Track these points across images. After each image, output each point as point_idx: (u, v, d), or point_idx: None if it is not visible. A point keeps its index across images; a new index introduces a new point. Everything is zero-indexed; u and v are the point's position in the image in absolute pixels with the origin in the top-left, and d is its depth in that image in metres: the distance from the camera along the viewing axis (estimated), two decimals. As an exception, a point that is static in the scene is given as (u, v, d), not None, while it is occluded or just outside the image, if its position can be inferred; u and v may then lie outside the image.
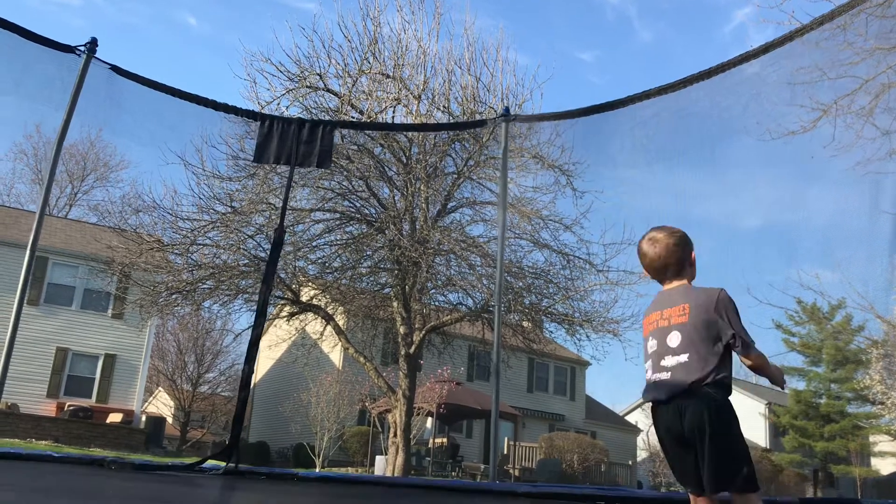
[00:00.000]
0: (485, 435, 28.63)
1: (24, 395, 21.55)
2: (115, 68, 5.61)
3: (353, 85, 12.90)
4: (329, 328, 15.19)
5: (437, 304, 14.89)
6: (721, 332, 2.88)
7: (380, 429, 22.34)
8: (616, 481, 27.32)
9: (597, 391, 53.31)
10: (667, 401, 2.92)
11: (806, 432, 31.18)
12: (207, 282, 13.55)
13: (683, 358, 2.92)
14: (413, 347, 14.13)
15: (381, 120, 12.82)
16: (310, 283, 15.02)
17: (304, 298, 14.97)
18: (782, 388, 3.32)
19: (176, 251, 13.52)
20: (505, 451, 25.47)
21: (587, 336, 13.64)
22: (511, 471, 24.50)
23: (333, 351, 23.70)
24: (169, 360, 33.61)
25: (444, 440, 23.93)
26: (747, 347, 2.91)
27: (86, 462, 5.60)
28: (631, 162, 8.31)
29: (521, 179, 12.06)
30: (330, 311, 15.01)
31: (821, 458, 30.98)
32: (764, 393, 39.01)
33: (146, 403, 30.32)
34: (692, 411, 2.85)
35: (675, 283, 3.10)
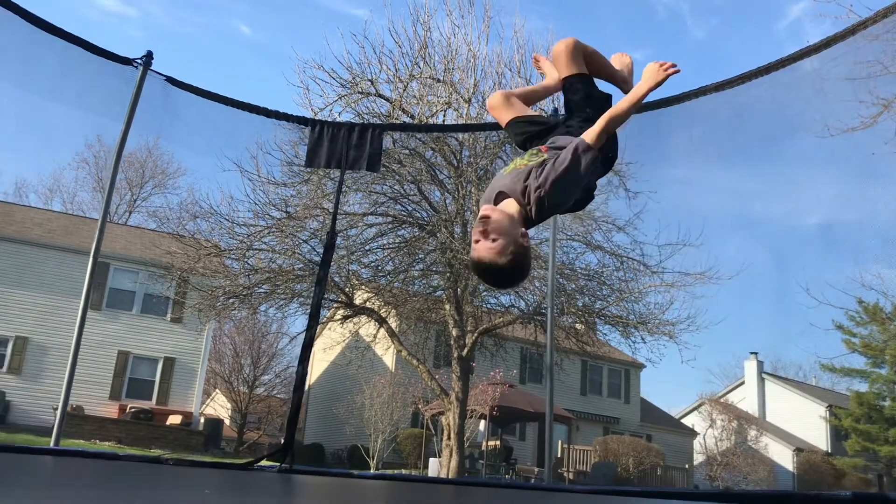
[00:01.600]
0: (538, 438, 28.46)
1: (88, 398, 22.17)
2: (170, 80, 5.74)
3: (404, 90, 12.97)
4: (382, 331, 15.31)
5: (489, 306, 14.89)
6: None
7: (433, 431, 22.39)
8: (672, 485, 26.89)
9: (652, 394, 52.61)
10: None
11: (869, 436, 30.24)
12: (263, 286, 13.79)
13: None
14: (465, 350, 14.13)
15: (432, 124, 12.88)
16: (363, 287, 15.15)
17: (357, 301, 15.11)
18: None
19: (233, 256, 13.79)
20: (559, 454, 25.29)
21: (642, 338, 13.48)
22: (565, 474, 24.31)
23: (386, 353, 23.85)
24: (226, 363, 34.23)
25: (497, 443, 23.85)
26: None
27: (146, 460, 5.73)
28: (686, 161, 8.20)
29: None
30: (383, 314, 15.11)
31: (886, 462, 30.01)
32: (825, 396, 38.01)
33: (204, 405, 30.92)
34: None
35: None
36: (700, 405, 37.01)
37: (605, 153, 2.76)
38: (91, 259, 6.01)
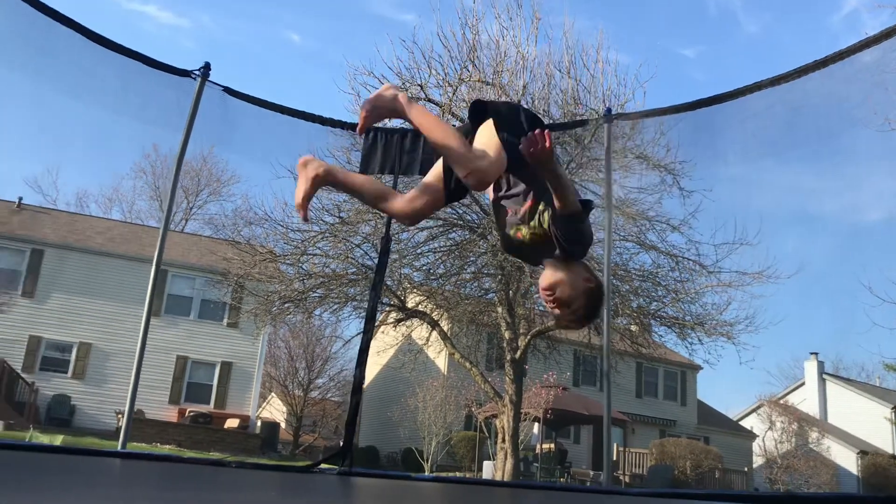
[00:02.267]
0: (593, 441, 28.22)
1: (149, 402, 22.70)
2: (227, 90, 5.87)
3: (454, 94, 13.00)
4: (434, 334, 15.36)
5: (541, 308, 14.82)
6: None
7: (487, 434, 22.37)
8: (731, 488, 26.40)
9: (709, 396, 51.66)
10: None
11: (939, 438, 29.26)
12: (318, 290, 13.96)
13: None
14: (518, 352, 14.09)
15: (481, 126, 12.87)
16: (415, 290, 15.23)
17: (409, 305, 15.19)
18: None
19: (287, 261, 13.99)
20: (615, 458, 25.04)
21: (699, 339, 13.27)
22: (621, 477, 24.07)
23: (439, 356, 23.91)
24: (281, 367, 34.71)
25: (552, 446, 23.72)
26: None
27: (210, 463, 5.85)
28: (741, 158, 8.05)
29: (626, 180, 11.87)
30: (435, 317, 15.16)
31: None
32: (890, 396, 36.89)
33: (260, 409, 31.41)
34: None
35: None
36: (759, 407, 36.26)
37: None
38: (153, 267, 6.17)
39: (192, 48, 62.43)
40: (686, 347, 13.74)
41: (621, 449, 25.36)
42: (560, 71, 12.84)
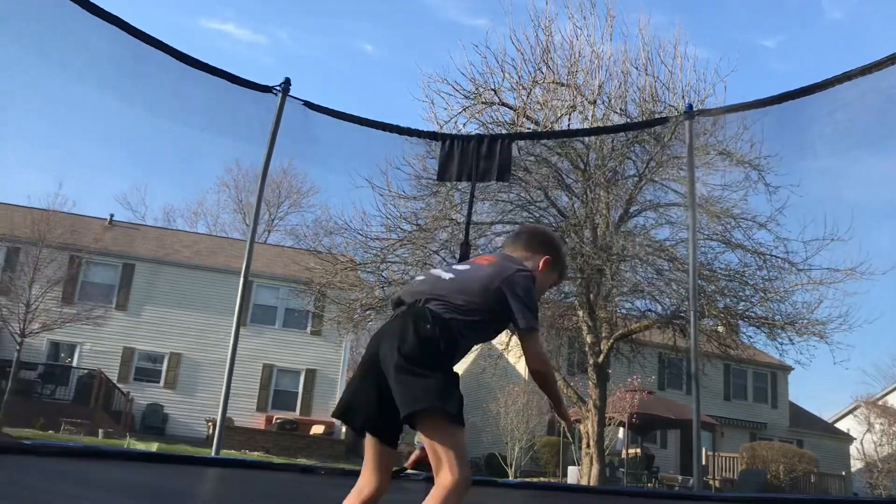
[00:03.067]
0: (680, 445, 27.57)
1: (237, 410, 23.30)
2: (307, 104, 5.99)
3: (528, 96, 12.95)
4: (514, 339, 15.27)
5: (623, 311, 14.58)
6: (500, 300, 2.36)
7: (570, 439, 22.10)
8: (828, 493, 25.38)
9: (801, 397, 49.85)
10: (393, 305, 2.46)
11: None
12: (398, 297, 14.05)
13: (450, 275, 2.44)
14: (601, 356, 13.89)
15: (556, 128, 12.78)
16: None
17: (488, 310, 15.13)
18: (567, 423, 2.80)
19: (368, 269, 14.16)
20: (703, 462, 24.38)
21: (790, 339, 12.81)
22: (711, 482, 23.42)
23: (520, 361, 23.75)
24: (363, 374, 35.10)
25: (638, 450, 23.29)
26: (528, 328, 2.37)
27: (300, 470, 5.96)
28: (831, 150, 7.75)
29: (708, 178, 11.58)
30: (515, 322, 15.07)
31: None
32: None
33: (345, 415, 31.82)
34: (396, 324, 2.31)
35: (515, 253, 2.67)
36: (855, 408, 34.74)
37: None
38: (242, 279, 6.34)
39: (270, 64, 64.02)
40: (776, 348, 13.29)
41: (710, 453, 24.68)
42: (637, 68, 12.65)
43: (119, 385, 23.54)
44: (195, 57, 4.89)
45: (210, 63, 5.01)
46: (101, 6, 4.30)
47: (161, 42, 4.59)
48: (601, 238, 12.61)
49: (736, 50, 41.64)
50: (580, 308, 13.96)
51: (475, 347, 15.15)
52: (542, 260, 2.64)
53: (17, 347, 18.10)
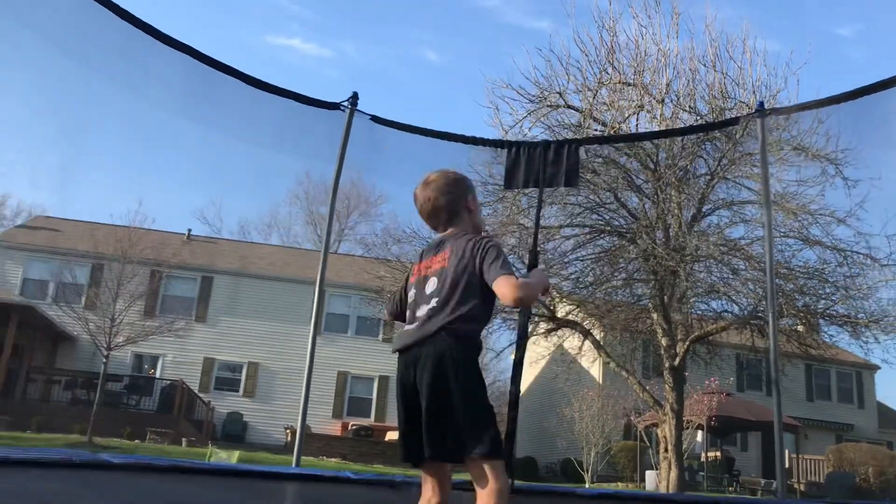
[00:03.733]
0: (762, 448, 26.83)
1: (314, 417, 23.72)
2: (374, 118, 6.08)
3: (594, 98, 12.82)
4: (587, 343, 15.13)
5: (699, 312, 14.27)
6: (474, 273, 2.53)
7: (647, 443, 21.76)
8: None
9: (891, 397, 47.83)
10: (404, 349, 2.58)
11: None
12: (467, 304, 14.07)
13: (433, 303, 2.56)
14: (677, 359, 13.63)
15: (624, 129, 12.62)
16: (564, 299, 15.07)
17: (559, 314, 15.04)
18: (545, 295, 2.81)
19: (437, 277, 14.21)
20: (787, 465, 23.67)
21: (875, 338, 12.32)
22: (796, 486, 22.71)
23: (593, 366, 23.53)
24: (436, 379, 35.27)
25: (718, 454, 22.77)
26: (496, 274, 2.47)
27: (376, 482, 6.03)
28: (914, 140, 7.47)
29: (783, 174, 11.26)
30: (587, 326, 14.94)
31: None
32: None
33: (419, 421, 32.04)
34: (425, 356, 2.47)
35: (448, 231, 2.76)
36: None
37: None
38: (317, 289, 6.47)
39: (336, 76, 65.09)
40: (861, 347, 12.79)
41: (794, 456, 23.93)
42: (705, 65, 12.39)
43: (200, 395, 24.24)
44: (264, 80, 5.03)
45: (278, 79, 5.17)
46: (175, 36, 4.49)
47: (231, 68, 4.76)
48: (674, 239, 12.38)
49: (809, 41, 40.32)
50: (654, 310, 13.73)
51: (545, 354, 15.05)
52: (466, 207, 2.80)
53: (104, 360, 18.82)
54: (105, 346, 18.68)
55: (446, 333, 2.48)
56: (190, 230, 30.34)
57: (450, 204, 2.77)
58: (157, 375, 24.49)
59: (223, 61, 4.87)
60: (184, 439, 19.70)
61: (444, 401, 2.42)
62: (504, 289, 2.47)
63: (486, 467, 2.41)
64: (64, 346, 24.44)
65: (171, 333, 21.51)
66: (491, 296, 2.56)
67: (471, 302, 2.52)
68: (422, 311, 2.60)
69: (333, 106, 5.82)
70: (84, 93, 4.89)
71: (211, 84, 4.76)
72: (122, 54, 4.45)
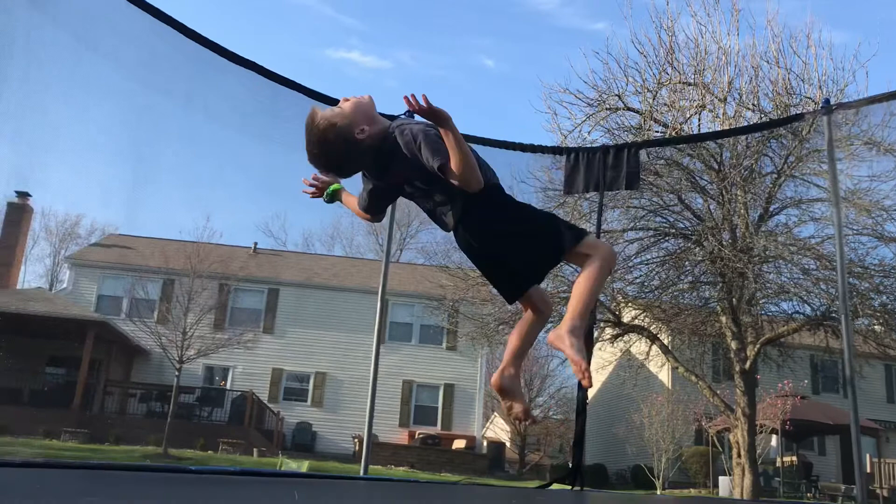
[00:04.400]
0: (840, 452, 25.95)
1: (381, 425, 23.87)
2: (431, 127, 6.11)
3: (654, 99, 12.67)
4: (654, 348, 14.90)
5: (769, 314, 13.92)
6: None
7: (720, 448, 21.27)
8: None
9: (977, 397, 45.76)
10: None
11: None
12: (530, 310, 14.02)
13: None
14: (748, 362, 13.32)
15: (685, 129, 12.42)
16: (630, 304, 14.88)
17: (625, 319, 14.86)
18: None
19: (500, 284, 14.19)
20: (868, 470, 22.82)
21: (958, 337, 11.86)
22: (878, 491, 21.88)
23: (661, 370, 23.14)
24: (501, 387, 35.15)
25: (794, 459, 22.11)
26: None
27: (440, 485, 6.05)
28: None
29: (854, 170, 10.91)
30: (653, 331, 14.72)
31: None
32: None
33: (485, 429, 31.99)
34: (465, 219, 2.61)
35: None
36: None
37: None
38: (379, 298, 6.54)
39: (395, 87, 65.66)
40: (945, 345, 12.32)
41: (875, 460, 23.07)
42: (767, 62, 12.12)
43: (269, 405, 24.67)
44: (326, 94, 5.12)
45: (340, 93, 5.24)
46: (239, 53, 4.63)
47: (293, 82, 4.88)
48: (741, 240, 12.12)
49: (878, 31, 38.97)
50: (722, 313, 13.45)
51: (611, 360, 14.81)
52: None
53: (177, 373, 19.32)
54: (177, 359, 19.17)
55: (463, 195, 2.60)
56: (256, 243, 30.97)
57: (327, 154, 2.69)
58: (228, 387, 25.02)
59: (285, 76, 5.01)
60: (255, 449, 20.07)
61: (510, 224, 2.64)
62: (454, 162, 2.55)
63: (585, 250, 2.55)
64: (138, 360, 25.19)
65: (240, 345, 21.96)
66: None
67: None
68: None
69: (392, 119, 5.88)
70: (151, 113, 5.07)
71: (274, 100, 4.87)
72: (188, 74, 4.60)
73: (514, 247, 2.62)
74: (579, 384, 6.52)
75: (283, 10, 66.73)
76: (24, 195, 26.61)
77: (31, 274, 44.58)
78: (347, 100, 2.65)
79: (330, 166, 2.72)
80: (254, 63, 4.65)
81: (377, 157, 2.68)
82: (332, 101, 5.31)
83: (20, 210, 26.76)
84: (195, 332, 19.67)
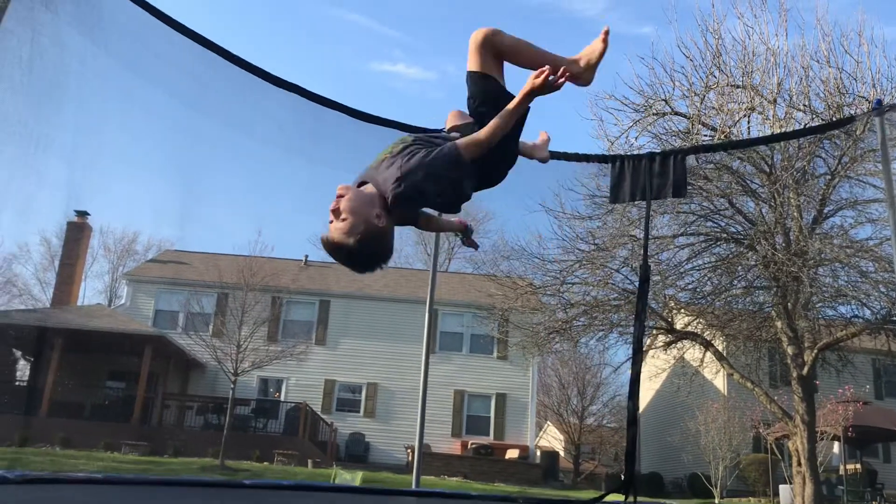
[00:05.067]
0: (908, 459, 25.16)
1: (433, 436, 23.92)
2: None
3: (701, 102, 12.51)
4: (709, 354, 14.67)
5: (826, 318, 13.59)
6: None
7: (779, 456, 20.80)
8: None
9: None
10: None
11: None
12: (581, 319, 13.96)
13: None
14: (805, 368, 13.02)
15: (734, 132, 12.24)
16: (682, 310, 14.68)
17: (678, 326, 14.66)
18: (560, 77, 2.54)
19: (548, 292, 14.16)
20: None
21: None
22: (948, 500, 21.15)
23: (716, 377, 22.74)
24: (553, 396, 34.96)
25: (858, 466, 21.49)
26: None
27: (499, 499, 6.05)
28: None
29: (911, 168, 10.60)
30: (707, 337, 14.50)
31: None
32: None
33: (538, 438, 31.81)
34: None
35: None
36: None
37: (485, 166, 2.64)
38: (427, 308, 6.58)
39: (441, 98, 65.91)
40: None
41: (945, 467, 22.33)
42: (818, 62, 11.88)
43: (323, 416, 24.92)
44: (368, 112, 5.21)
45: (387, 106, 5.36)
46: (284, 70, 4.75)
47: (336, 102, 4.97)
48: (795, 243, 11.88)
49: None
50: (778, 318, 13.18)
51: (665, 367, 14.59)
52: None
53: (232, 385, 19.65)
54: (232, 371, 19.50)
55: None
56: (307, 256, 31.33)
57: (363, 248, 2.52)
58: (282, 398, 25.34)
59: (329, 96, 5.12)
60: (309, 460, 20.27)
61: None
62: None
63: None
64: (195, 373, 25.68)
65: (293, 357, 22.23)
66: None
67: None
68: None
69: (437, 132, 5.95)
70: (201, 134, 5.21)
71: (318, 119, 4.99)
72: (234, 97, 4.74)
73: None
74: (630, 393, 6.44)
75: (327, 26, 67.63)
76: (82, 214, 27.44)
77: (90, 290, 45.90)
78: (339, 200, 2.49)
79: (385, 257, 2.59)
80: (296, 86, 4.77)
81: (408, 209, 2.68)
82: (376, 119, 5.40)
83: (79, 229, 27.59)
84: (249, 345, 19.97)
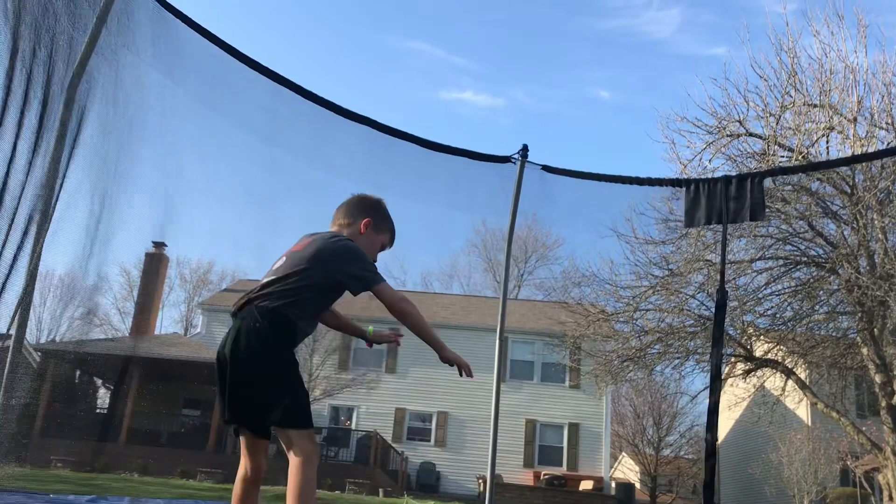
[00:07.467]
0: None
1: (505, 466, 23.67)
2: (545, 168, 6.11)
3: (777, 123, 12.18)
4: (790, 382, 14.15)
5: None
6: (326, 272, 2.71)
7: (869, 490, 19.84)
8: None
9: None
10: (232, 315, 2.74)
11: None
12: (656, 346, 13.65)
13: (268, 279, 2.73)
14: (895, 397, 12.41)
15: (813, 152, 11.87)
16: (762, 337, 14.21)
17: (757, 354, 14.20)
18: (460, 369, 2.89)
19: (621, 319, 13.91)
20: None
21: None
22: None
23: (799, 406, 21.90)
24: (628, 425, 34.22)
25: (956, 502, 20.31)
26: (373, 283, 2.75)
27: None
28: None
29: None
30: (789, 365, 13.99)
31: None
32: None
33: (613, 469, 31.13)
34: (233, 327, 2.63)
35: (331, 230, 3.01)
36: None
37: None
38: (497, 336, 6.53)
39: (510, 124, 66.22)
40: None
41: None
42: (902, 78, 11.43)
43: (394, 445, 24.93)
44: (436, 140, 5.24)
45: (456, 133, 5.39)
46: (357, 100, 4.83)
47: (405, 133, 5.02)
48: (880, 266, 11.38)
49: None
50: (863, 345, 12.62)
51: (745, 396, 14.13)
52: (363, 223, 3.06)
53: (305, 414, 19.84)
54: (305, 400, 19.70)
55: (256, 309, 2.66)
56: (377, 285, 31.61)
57: (349, 215, 3.07)
58: (353, 427, 25.47)
59: (400, 124, 5.19)
60: (380, 489, 20.27)
61: (243, 373, 2.62)
62: (390, 295, 2.85)
63: (292, 435, 2.74)
64: (269, 401, 26.05)
65: (363, 385, 22.36)
66: (329, 295, 2.88)
67: (300, 287, 2.71)
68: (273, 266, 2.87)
69: (504, 160, 5.93)
70: (275, 167, 5.34)
71: (387, 150, 5.05)
72: (307, 130, 4.87)
73: (251, 383, 2.69)
74: (708, 424, 6.23)
75: (396, 56, 68.83)
76: (159, 245, 28.33)
77: (167, 319, 47.24)
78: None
79: (336, 219, 3.23)
80: (367, 118, 4.86)
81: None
82: (444, 148, 5.42)
83: (157, 259, 28.48)
84: (321, 373, 20.19)
